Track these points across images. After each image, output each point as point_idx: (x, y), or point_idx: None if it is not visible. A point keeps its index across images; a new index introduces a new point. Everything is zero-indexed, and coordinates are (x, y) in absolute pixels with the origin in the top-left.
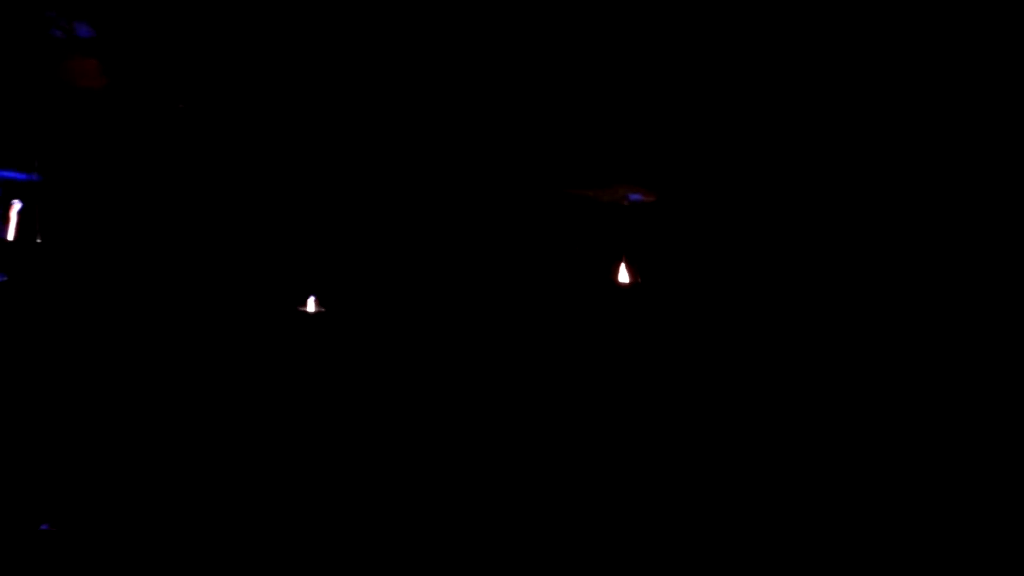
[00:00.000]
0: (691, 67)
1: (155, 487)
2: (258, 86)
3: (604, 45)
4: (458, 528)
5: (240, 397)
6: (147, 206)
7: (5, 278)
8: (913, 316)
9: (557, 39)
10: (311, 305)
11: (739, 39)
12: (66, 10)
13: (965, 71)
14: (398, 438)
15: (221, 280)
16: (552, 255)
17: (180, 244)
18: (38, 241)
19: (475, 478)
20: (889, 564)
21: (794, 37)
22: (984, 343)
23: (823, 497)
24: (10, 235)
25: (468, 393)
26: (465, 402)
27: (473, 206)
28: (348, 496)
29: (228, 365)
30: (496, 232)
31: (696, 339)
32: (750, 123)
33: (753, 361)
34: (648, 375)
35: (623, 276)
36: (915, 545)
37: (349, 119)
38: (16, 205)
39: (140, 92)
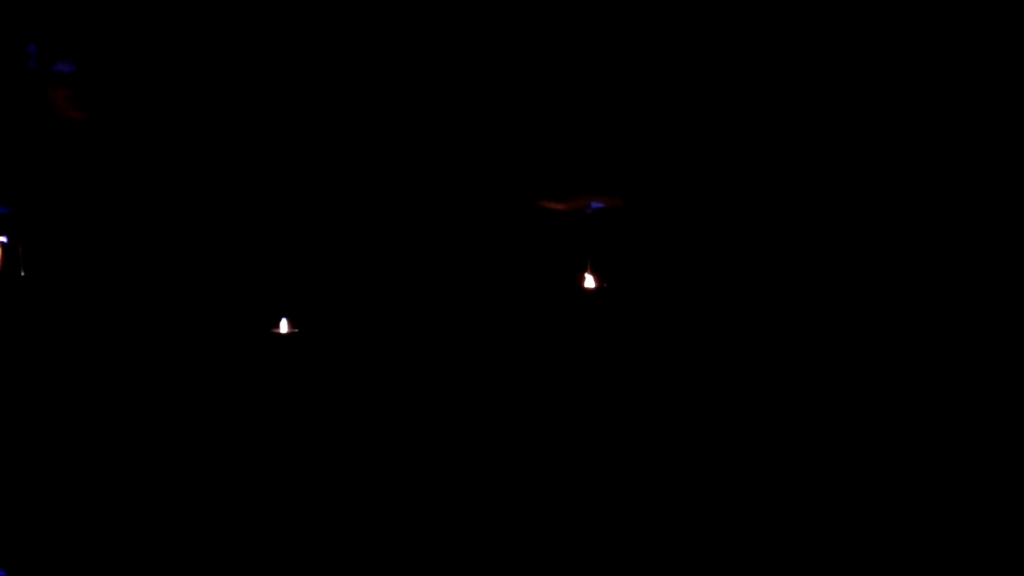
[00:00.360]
0: (650, 83)
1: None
2: (228, 118)
3: (562, 65)
4: (432, 533)
5: (218, 418)
6: (124, 235)
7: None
8: (868, 319)
9: (519, 61)
10: (284, 326)
11: (696, 58)
12: (46, 45)
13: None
14: (376, 446)
15: (198, 303)
16: (519, 263)
17: (158, 271)
18: (22, 274)
19: (451, 483)
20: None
21: (749, 57)
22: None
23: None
24: None
25: (443, 399)
26: (440, 407)
27: (442, 221)
28: (321, 507)
29: (207, 385)
30: (465, 244)
31: (659, 340)
32: (707, 135)
33: (716, 360)
34: (614, 375)
35: (588, 282)
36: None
37: (318, 144)
38: (1, 239)
39: (115, 123)
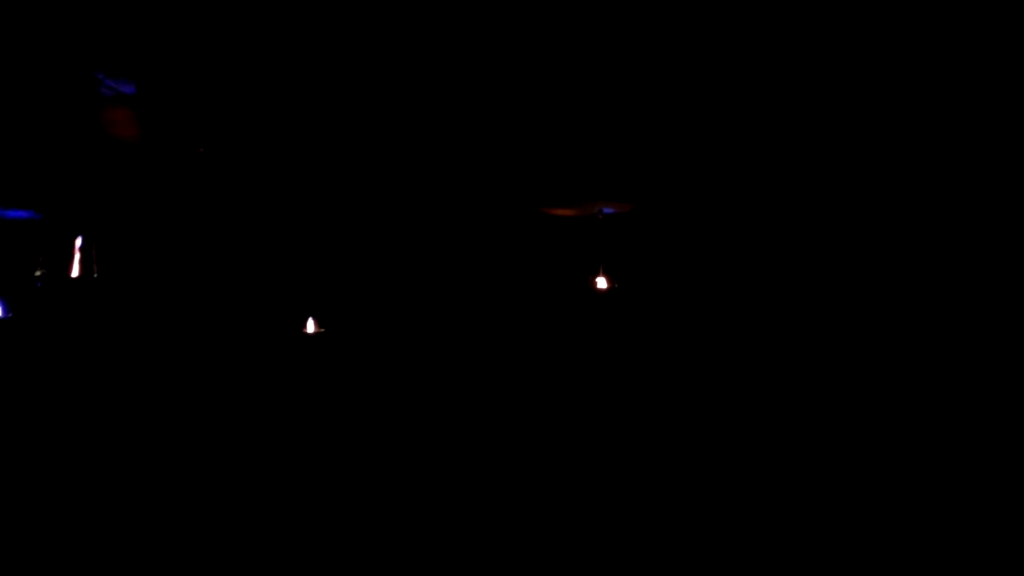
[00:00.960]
0: (659, 92)
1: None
2: (269, 135)
3: (578, 82)
4: (449, 528)
5: (251, 410)
6: (178, 240)
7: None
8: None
9: (525, 73)
10: (311, 326)
11: (703, 67)
12: (110, 69)
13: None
14: (397, 442)
15: (237, 300)
16: (536, 267)
17: (205, 273)
18: (95, 275)
19: (469, 478)
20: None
21: (754, 65)
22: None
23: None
24: (74, 271)
25: (462, 397)
26: (459, 405)
27: (460, 227)
28: (341, 502)
29: (243, 379)
30: (483, 249)
31: (669, 338)
32: (712, 141)
33: (722, 357)
34: (626, 372)
35: (600, 283)
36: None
37: (347, 160)
38: (78, 243)
39: (167, 139)
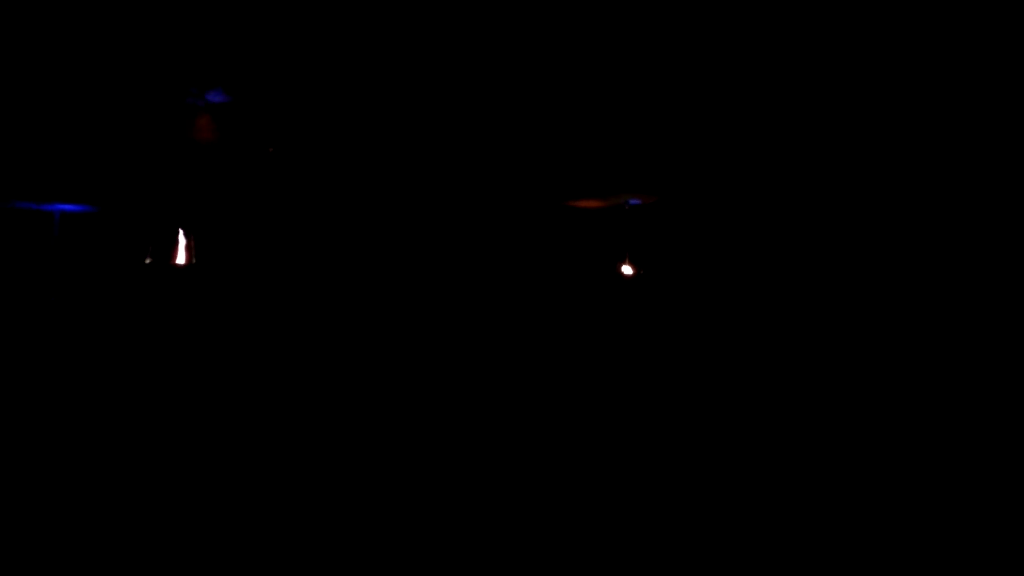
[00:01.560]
0: (680, 85)
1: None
2: (328, 134)
3: (593, 73)
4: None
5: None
6: (254, 230)
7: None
8: (883, 312)
9: (549, 72)
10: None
11: (729, 62)
12: (202, 83)
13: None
14: (426, 427)
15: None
16: (567, 255)
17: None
18: (193, 262)
19: (497, 463)
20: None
21: (779, 61)
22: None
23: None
24: (180, 259)
25: (498, 375)
26: (495, 384)
27: (493, 218)
28: (364, 491)
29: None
30: (515, 239)
31: (693, 324)
32: (735, 133)
33: (743, 341)
34: (651, 357)
35: (627, 270)
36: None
37: (384, 157)
38: (181, 236)
39: (242, 141)
